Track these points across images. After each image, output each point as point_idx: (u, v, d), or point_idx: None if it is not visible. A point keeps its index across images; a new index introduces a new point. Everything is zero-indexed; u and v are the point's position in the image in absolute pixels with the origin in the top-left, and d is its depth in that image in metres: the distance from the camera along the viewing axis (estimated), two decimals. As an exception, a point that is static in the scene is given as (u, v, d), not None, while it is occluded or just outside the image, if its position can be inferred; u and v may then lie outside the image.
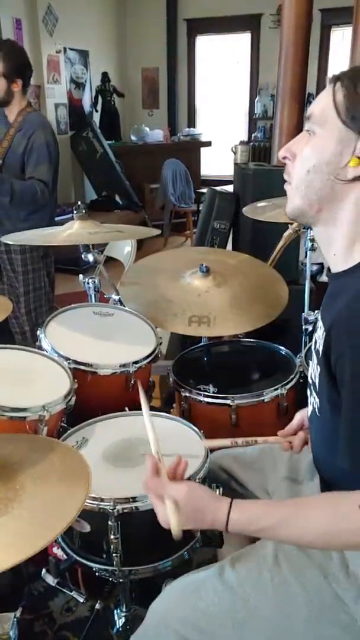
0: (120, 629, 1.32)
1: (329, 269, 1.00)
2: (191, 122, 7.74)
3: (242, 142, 3.36)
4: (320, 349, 0.95)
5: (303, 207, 0.95)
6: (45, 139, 2.46)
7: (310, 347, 1.81)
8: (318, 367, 0.98)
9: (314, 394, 1.02)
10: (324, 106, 0.90)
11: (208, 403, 1.59)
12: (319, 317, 1.02)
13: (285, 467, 1.26)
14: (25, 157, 2.47)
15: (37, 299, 2.71)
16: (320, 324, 1.00)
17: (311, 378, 1.05)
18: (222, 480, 1.31)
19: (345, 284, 0.93)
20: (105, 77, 6.85)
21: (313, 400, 1.03)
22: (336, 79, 0.89)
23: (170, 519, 0.93)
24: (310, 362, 1.08)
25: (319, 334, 0.99)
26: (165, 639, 1.03)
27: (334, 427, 0.92)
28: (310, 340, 1.91)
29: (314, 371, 1.02)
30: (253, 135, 7.25)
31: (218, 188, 3.26)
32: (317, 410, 1.00)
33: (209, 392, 1.61)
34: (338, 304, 0.91)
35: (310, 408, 1.07)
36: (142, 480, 1.00)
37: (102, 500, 1.13)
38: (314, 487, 1.15)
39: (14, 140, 2.48)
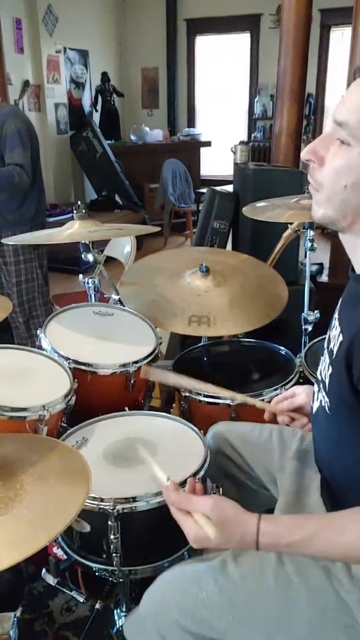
0: (120, 629, 1.32)
1: (352, 269, 0.98)
2: (191, 122, 7.75)
3: (241, 142, 3.35)
4: (335, 350, 0.94)
5: (335, 217, 0.90)
6: (15, 126, 2.53)
7: (310, 347, 1.81)
8: (330, 367, 0.96)
9: (323, 392, 1.00)
10: None
11: (208, 403, 1.59)
12: (335, 316, 1.00)
13: (294, 453, 1.24)
14: (1, 147, 2.54)
15: (30, 291, 2.73)
16: (336, 323, 0.98)
17: (320, 375, 1.04)
18: (226, 455, 1.31)
19: None
20: (105, 77, 6.86)
21: (322, 397, 1.01)
22: None
23: (205, 528, 0.91)
24: (321, 358, 1.06)
25: (334, 334, 0.97)
26: (163, 627, 1.03)
27: (345, 428, 0.92)
28: (310, 340, 1.92)
29: (325, 370, 1.00)
30: (253, 135, 7.26)
31: (218, 188, 3.26)
32: (327, 408, 0.98)
33: (208, 392, 1.61)
34: None
35: (316, 404, 1.06)
36: (164, 495, 0.99)
37: (102, 500, 1.13)
38: (318, 479, 1.14)
39: None
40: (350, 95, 0.84)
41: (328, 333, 1.04)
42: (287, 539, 0.89)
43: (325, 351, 1.03)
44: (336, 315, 1.01)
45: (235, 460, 1.32)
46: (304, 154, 0.89)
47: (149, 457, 1.18)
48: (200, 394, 1.60)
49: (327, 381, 0.98)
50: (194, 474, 1.20)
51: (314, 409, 1.07)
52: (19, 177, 2.50)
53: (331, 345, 0.98)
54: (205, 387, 1.33)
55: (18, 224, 2.60)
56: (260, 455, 1.29)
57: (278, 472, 1.24)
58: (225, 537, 0.91)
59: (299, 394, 1.22)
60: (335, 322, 0.99)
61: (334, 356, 0.95)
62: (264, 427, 1.34)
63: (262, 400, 1.57)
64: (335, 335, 0.97)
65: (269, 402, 1.27)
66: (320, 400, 1.03)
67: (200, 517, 0.92)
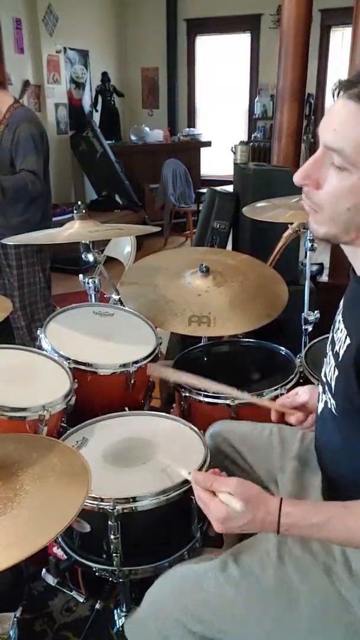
0: (120, 629, 1.32)
1: (353, 271, 0.98)
2: (191, 122, 7.74)
3: (241, 142, 3.35)
4: (342, 353, 0.94)
5: (338, 234, 0.91)
6: (29, 131, 2.51)
7: (310, 347, 1.81)
8: (336, 370, 0.97)
9: (329, 394, 1.01)
10: (358, 144, 0.81)
11: (208, 403, 1.59)
12: (339, 319, 1.00)
13: (295, 453, 1.25)
14: (12, 151, 2.52)
15: (31, 294, 2.73)
16: (341, 326, 0.98)
17: (325, 377, 1.04)
18: (226, 454, 1.31)
19: None
20: (105, 77, 6.85)
21: (327, 399, 1.02)
22: None
23: (232, 503, 0.92)
24: (324, 359, 1.06)
25: (339, 336, 0.97)
26: (164, 627, 1.04)
27: (354, 429, 0.93)
28: (310, 340, 1.92)
29: (330, 372, 1.00)
30: (253, 135, 7.25)
31: (218, 188, 3.26)
32: (333, 410, 0.99)
33: (208, 392, 1.61)
34: None
35: (321, 405, 1.06)
36: (191, 476, 1.01)
37: (102, 500, 1.13)
38: (318, 479, 1.14)
39: (2, 137, 2.53)
40: (338, 119, 0.83)
41: (331, 334, 1.04)
42: (307, 521, 0.91)
43: (330, 353, 1.03)
44: (340, 318, 1.01)
45: (235, 460, 1.32)
46: (297, 178, 0.89)
47: (168, 456, 1.19)
48: (201, 394, 1.60)
49: (333, 384, 0.98)
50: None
51: (319, 410, 1.07)
52: (32, 185, 2.48)
53: (336, 347, 0.98)
54: (210, 384, 1.32)
55: (22, 228, 2.53)
56: (260, 454, 1.29)
57: (279, 472, 1.25)
58: (250, 514, 0.93)
59: (302, 394, 1.23)
60: (340, 325, 0.99)
61: (339, 359, 0.95)
62: (264, 427, 1.34)
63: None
64: (340, 337, 0.97)
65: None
66: (326, 402, 1.03)
67: (226, 495, 0.94)
